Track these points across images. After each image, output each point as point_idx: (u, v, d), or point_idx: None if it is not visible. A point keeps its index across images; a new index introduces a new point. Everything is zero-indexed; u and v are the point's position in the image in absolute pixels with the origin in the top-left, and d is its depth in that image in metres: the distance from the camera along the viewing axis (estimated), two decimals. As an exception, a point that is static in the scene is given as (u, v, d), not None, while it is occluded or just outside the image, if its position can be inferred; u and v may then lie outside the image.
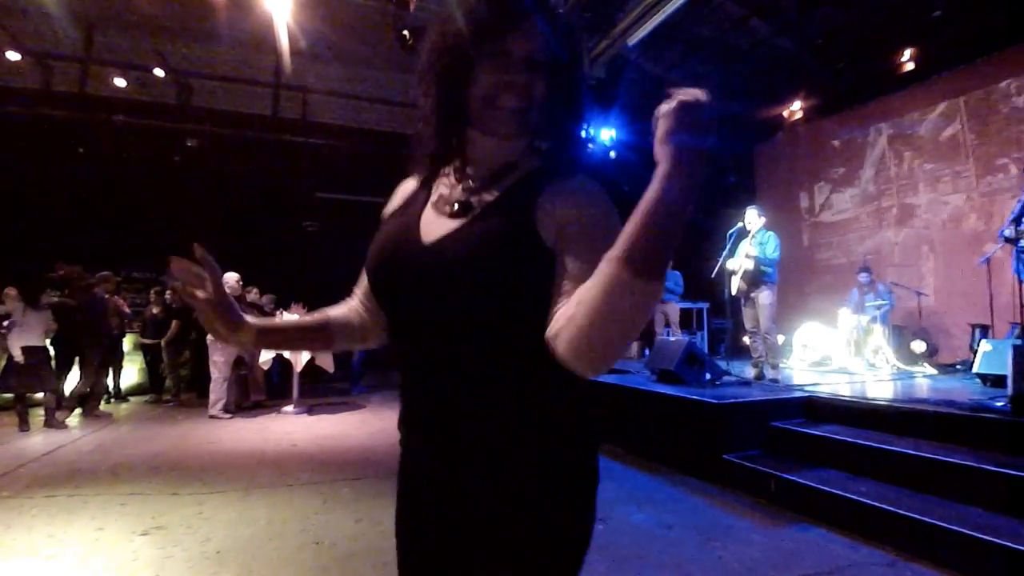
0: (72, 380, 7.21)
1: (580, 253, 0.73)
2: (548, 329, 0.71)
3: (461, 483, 0.81)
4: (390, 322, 0.88)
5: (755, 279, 5.43)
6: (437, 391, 0.81)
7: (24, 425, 5.89)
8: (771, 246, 5.42)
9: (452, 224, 0.80)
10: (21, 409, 5.95)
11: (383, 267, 0.85)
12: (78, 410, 6.85)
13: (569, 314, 0.67)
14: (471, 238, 0.78)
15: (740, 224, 5.70)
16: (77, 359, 7.04)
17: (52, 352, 6.61)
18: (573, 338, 0.66)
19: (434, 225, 0.82)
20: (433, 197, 0.87)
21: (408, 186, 0.94)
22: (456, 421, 0.80)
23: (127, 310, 8.26)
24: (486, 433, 0.79)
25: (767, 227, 5.63)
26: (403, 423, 0.89)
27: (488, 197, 0.82)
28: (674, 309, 8.43)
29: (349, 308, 1.00)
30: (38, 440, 5.52)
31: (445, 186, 0.87)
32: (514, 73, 0.78)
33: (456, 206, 0.82)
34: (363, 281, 0.95)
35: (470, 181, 0.85)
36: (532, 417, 0.79)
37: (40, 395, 6.24)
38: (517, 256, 0.75)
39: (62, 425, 6.09)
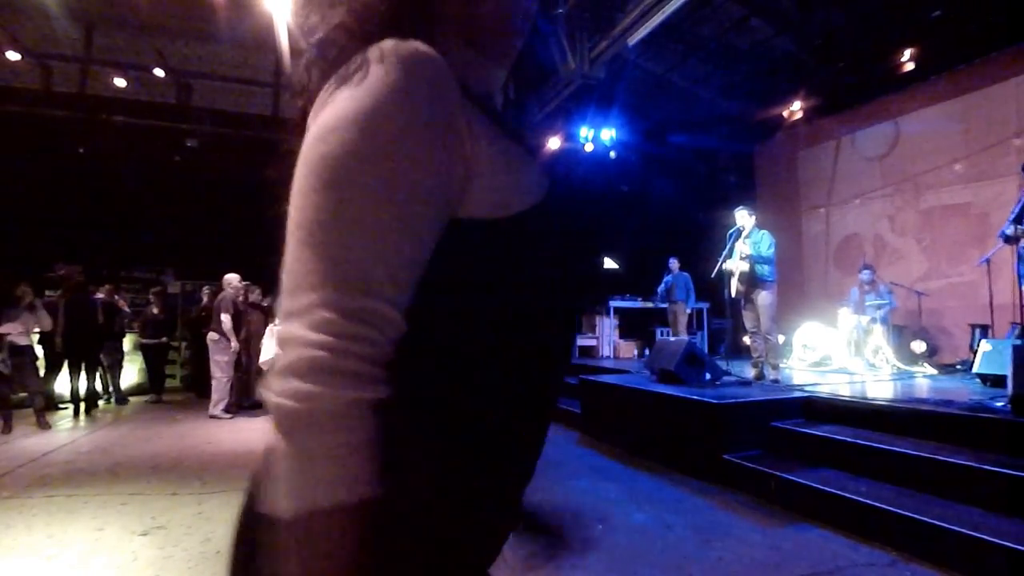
0: (63, 381, 7.24)
1: None
2: None
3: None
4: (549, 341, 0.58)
5: (753, 280, 5.43)
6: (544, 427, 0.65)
7: (7, 428, 5.78)
8: (765, 244, 5.42)
9: None
10: (6, 412, 5.84)
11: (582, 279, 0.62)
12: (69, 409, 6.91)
13: None
14: None
15: (738, 226, 5.71)
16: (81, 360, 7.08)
17: (40, 353, 6.59)
18: None
19: None
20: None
21: (461, 102, 0.52)
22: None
23: (127, 309, 8.27)
24: None
25: (761, 226, 5.64)
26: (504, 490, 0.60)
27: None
28: (683, 310, 8.46)
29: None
30: (37, 440, 5.52)
31: (498, 134, 0.56)
32: None
33: None
34: (404, 292, 0.49)
35: (510, 130, 0.60)
36: None
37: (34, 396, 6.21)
38: None
39: (47, 426, 6.03)
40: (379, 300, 0.45)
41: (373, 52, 0.49)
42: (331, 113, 0.48)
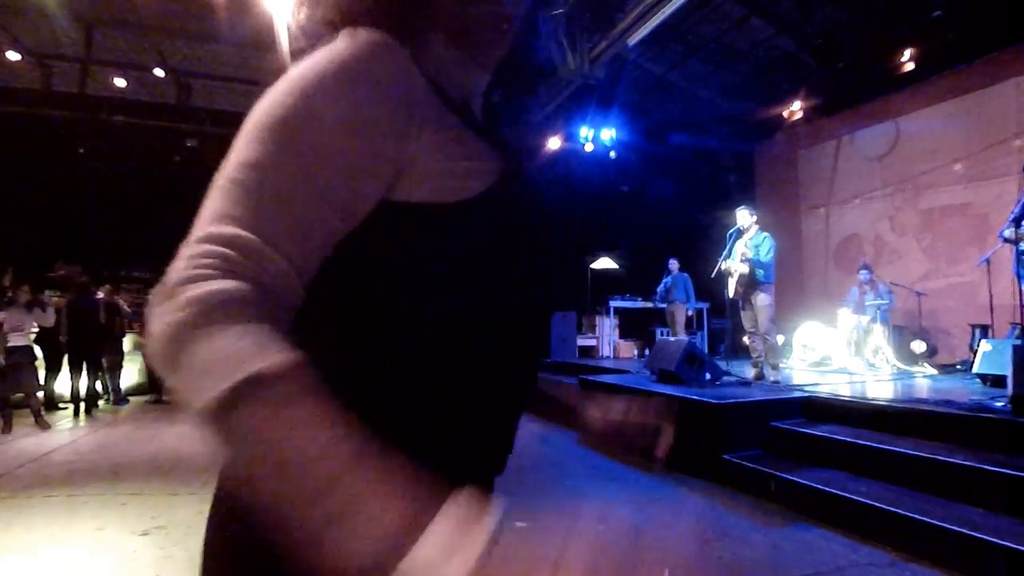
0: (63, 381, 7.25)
1: None
2: None
3: None
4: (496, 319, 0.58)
5: (751, 282, 5.44)
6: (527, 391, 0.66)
7: (7, 428, 5.79)
8: (765, 248, 5.43)
9: None
10: (6, 412, 5.85)
11: (536, 249, 0.63)
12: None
13: None
14: None
15: (738, 226, 5.71)
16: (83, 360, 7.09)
17: (40, 353, 6.59)
18: None
19: None
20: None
21: (412, 80, 0.53)
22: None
23: (127, 309, 8.27)
24: None
25: (762, 227, 5.64)
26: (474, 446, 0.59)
27: None
28: (681, 310, 8.48)
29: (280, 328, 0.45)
30: (38, 441, 5.52)
31: (452, 124, 0.56)
32: None
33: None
34: (302, 239, 0.47)
35: (473, 123, 0.62)
36: None
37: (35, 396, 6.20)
38: None
39: (46, 426, 6.03)
40: (268, 245, 0.44)
41: (343, 34, 0.52)
42: (286, 75, 0.50)
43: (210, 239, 0.43)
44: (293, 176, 0.46)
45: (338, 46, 0.51)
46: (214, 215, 0.44)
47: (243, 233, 0.43)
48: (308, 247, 0.47)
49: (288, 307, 0.46)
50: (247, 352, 0.37)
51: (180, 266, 0.41)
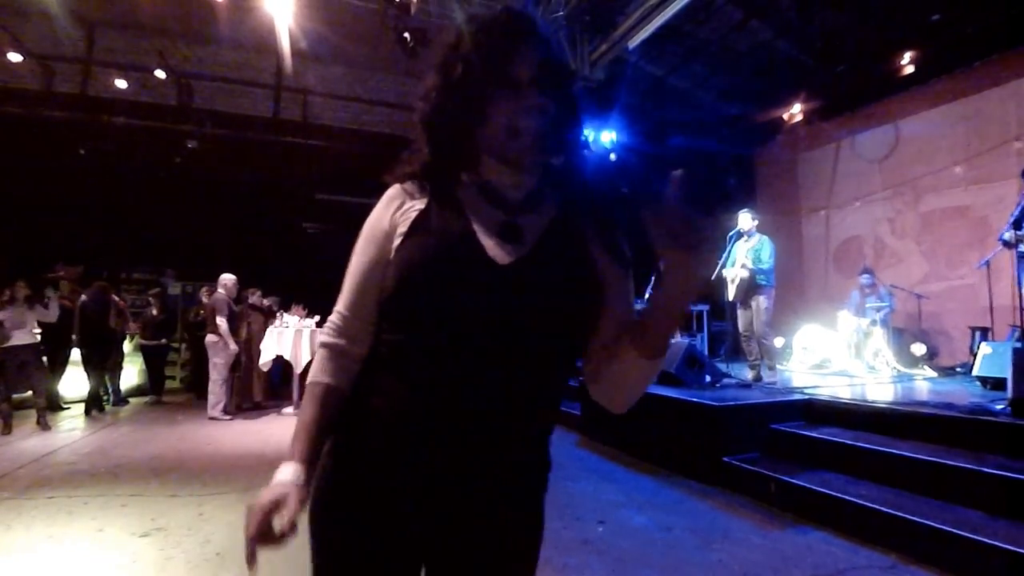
0: (67, 381, 7.23)
1: (622, 298, 0.90)
2: (587, 365, 0.91)
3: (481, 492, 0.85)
4: (428, 339, 0.81)
5: (751, 286, 5.45)
6: (488, 409, 0.82)
7: (7, 429, 5.74)
8: (766, 253, 5.43)
9: (518, 248, 0.84)
10: (6, 411, 5.80)
11: (447, 282, 0.80)
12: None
13: (605, 375, 0.87)
14: (548, 265, 0.84)
15: (738, 228, 5.71)
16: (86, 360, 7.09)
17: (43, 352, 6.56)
18: (611, 398, 0.90)
19: (495, 247, 0.83)
20: (474, 217, 0.85)
21: (402, 197, 0.90)
22: (497, 433, 0.84)
23: (128, 313, 8.26)
24: (516, 440, 0.87)
25: (762, 231, 5.65)
26: (415, 435, 0.82)
27: (536, 224, 0.87)
28: None
29: (346, 363, 0.89)
30: (38, 441, 5.52)
31: (478, 206, 0.87)
32: (529, 97, 0.82)
33: (507, 230, 0.85)
34: (362, 306, 0.89)
35: (505, 205, 0.87)
36: (544, 430, 0.92)
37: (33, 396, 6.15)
38: (584, 286, 0.85)
39: (47, 427, 5.99)
40: (343, 310, 0.91)
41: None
42: None
43: (333, 313, 0.92)
44: (354, 276, 0.90)
45: (379, 203, 0.92)
46: (339, 301, 0.91)
47: (341, 310, 0.90)
48: (367, 307, 0.89)
49: (362, 339, 0.90)
50: (314, 372, 0.90)
51: (324, 327, 0.93)
